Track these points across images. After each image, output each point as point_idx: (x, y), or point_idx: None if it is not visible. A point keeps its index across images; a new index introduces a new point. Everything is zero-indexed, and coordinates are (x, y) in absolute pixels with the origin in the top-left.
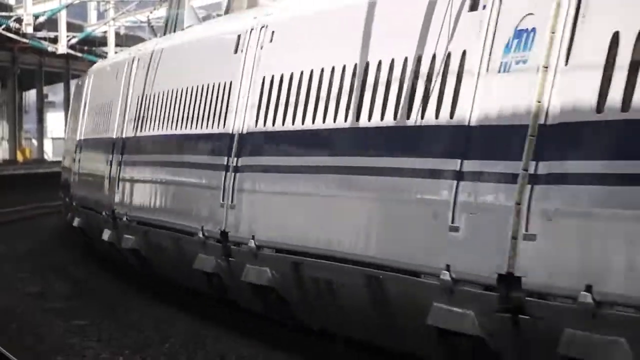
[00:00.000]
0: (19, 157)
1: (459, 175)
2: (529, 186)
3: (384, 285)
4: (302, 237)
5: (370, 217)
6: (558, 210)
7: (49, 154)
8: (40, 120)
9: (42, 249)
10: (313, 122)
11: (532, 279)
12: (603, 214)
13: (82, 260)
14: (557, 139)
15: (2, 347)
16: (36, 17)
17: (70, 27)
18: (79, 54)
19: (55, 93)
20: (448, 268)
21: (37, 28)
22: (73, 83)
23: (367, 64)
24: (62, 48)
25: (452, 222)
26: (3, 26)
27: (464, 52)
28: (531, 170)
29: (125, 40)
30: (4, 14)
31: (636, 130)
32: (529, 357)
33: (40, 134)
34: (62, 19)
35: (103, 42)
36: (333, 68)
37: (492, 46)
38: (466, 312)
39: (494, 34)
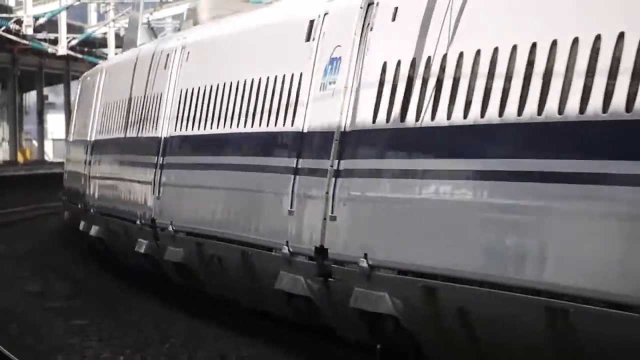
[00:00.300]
0: (20, 158)
1: (296, 171)
2: (333, 179)
3: (252, 259)
4: (203, 222)
5: (243, 205)
6: (349, 197)
7: (49, 155)
8: (41, 122)
9: (42, 249)
10: (208, 128)
11: (335, 250)
12: (375, 200)
13: (82, 260)
14: (350, 142)
15: (2, 347)
16: (36, 18)
17: (71, 28)
18: (79, 56)
19: (55, 94)
20: (287, 244)
21: (37, 29)
22: (73, 84)
23: (252, 82)
24: (62, 49)
25: (291, 208)
26: (3, 28)
27: (301, 74)
28: (335, 167)
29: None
30: (4, 15)
31: (397, 137)
32: (337, 312)
33: (41, 135)
34: (62, 20)
35: (103, 43)
36: (230, 83)
37: (317, 70)
38: (298, 278)
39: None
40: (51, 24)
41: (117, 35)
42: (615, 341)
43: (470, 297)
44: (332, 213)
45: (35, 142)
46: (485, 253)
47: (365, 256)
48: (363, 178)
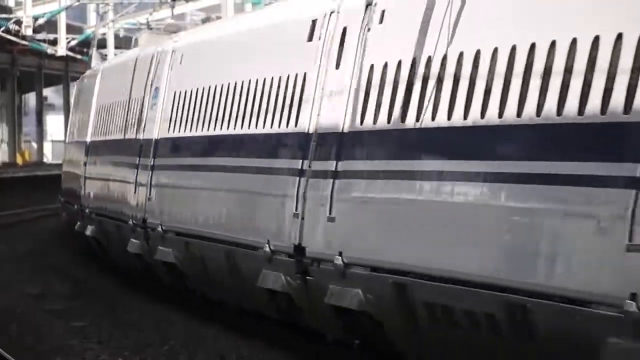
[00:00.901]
0: (19, 160)
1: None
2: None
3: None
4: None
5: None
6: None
7: (48, 156)
8: (40, 123)
9: (42, 250)
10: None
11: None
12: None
13: (82, 261)
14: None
15: (2, 348)
16: (36, 19)
17: (70, 29)
18: (79, 56)
19: (57, 94)
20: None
21: (36, 30)
22: (73, 85)
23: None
24: (61, 50)
25: (134, 192)
26: (2, 28)
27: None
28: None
29: (125, 42)
30: (3, 16)
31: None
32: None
33: (40, 136)
34: (62, 21)
35: (102, 44)
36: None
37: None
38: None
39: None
40: (50, 25)
41: (116, 36)
42: (249, 265)
43: (201, 248)
44: (149, 195)
45: (34, 144)
46: (206, 219)
47: (161, 224)
48: (162, 171)
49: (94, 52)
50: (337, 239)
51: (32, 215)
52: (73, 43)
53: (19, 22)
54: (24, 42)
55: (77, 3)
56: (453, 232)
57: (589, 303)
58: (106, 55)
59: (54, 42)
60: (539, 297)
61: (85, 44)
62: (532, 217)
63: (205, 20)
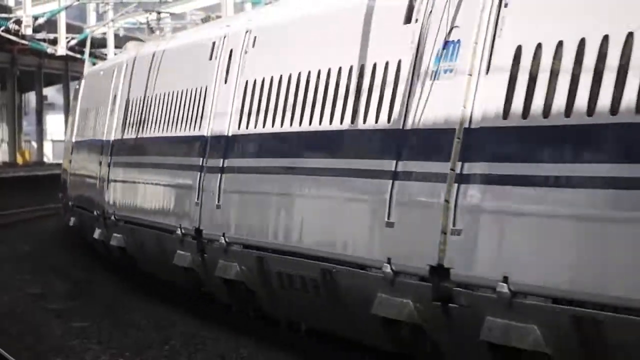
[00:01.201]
0: (19, 160)
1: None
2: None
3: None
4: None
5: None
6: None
7: (48, 156)
8: (40, 122)
9: (42, 250)
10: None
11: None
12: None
13: (82, 260)
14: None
15: (2, 348)
16: (35, 18)
17: (70, 28)
18: (79, 56)
19: (58, 94)
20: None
21: (36, 29)
22: (73, 85)
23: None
24: (61, 49)
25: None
26: (2, 28)
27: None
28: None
29: (125, 41)
30: (3, 15)
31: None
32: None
33: (40, 136)
34: (62, 20)
35: (102, 43)
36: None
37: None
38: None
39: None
40: (50, 24)
41: (116, 36)
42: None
43: (147, 234)
44: (107, 187)
45: (34, 144)
46: (149, 209)
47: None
48: (119, 167)
49: (87, 55)
50: (222, 222)
51: (33, 215)
52: (73, 42)
53: (18, 22)
54: (23, 42)
55: (76, 2)
56: (296, 216)
57: (369, 267)
58: (106, 55)
59: (53, 42)
60: (341, 264)
61: (85, 43)
62: (357, 205)
63: (205, 20)
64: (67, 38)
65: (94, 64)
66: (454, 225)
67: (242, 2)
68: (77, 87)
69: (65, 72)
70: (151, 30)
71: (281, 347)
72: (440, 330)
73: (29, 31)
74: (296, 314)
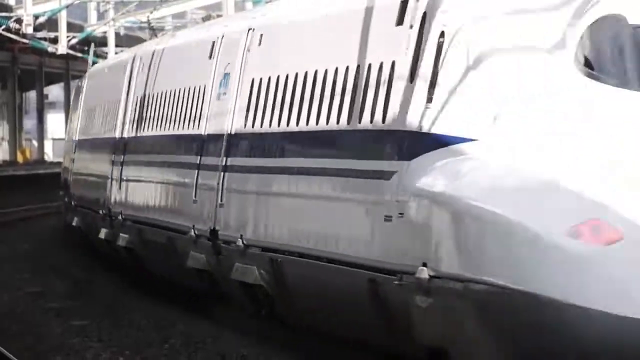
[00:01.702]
0: (19, 158)
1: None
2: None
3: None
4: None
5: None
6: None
7: (49, 154)
8: (41, 121)
9: (42, 249)
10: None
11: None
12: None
13: (82, 260)
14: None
15: (2, 347)
16: (36, 17)
17: (71, 27)
18: (79, 54)
19: (55, 94)
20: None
21: (37, 28)
22: (73, 84)
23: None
24: (62, 48)
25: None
26: (3, 26)
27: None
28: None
29: (126, 40)
30: (4, 14)
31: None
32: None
33: (41, 134)
34: (62, 19)
35: (103, 42)
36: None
37: None
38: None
39: None
40: (51, 23)
41: (117, 34)
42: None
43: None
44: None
45: (35, 142)
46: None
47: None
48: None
49: (91, 53)
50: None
51: (33, 214)
52: (74, 41)
53: (19, 21)
54: (24, 41)
55: (77, 1)
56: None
57: (184, 232)
58: (107, 54)
59: (54, 41)
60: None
61: (86, 42)
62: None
63: (206, 19)
64: (67, 37)
65: (95, 62)
66: (220, 200)
67: (242, 0)
68: (79, 85)
69: (66, 70)
70: (152, 30)
71: (281, 347)
72: (217, 272)
73: (29, 30)
74: None
